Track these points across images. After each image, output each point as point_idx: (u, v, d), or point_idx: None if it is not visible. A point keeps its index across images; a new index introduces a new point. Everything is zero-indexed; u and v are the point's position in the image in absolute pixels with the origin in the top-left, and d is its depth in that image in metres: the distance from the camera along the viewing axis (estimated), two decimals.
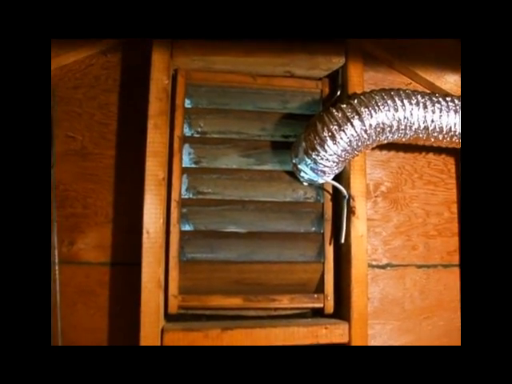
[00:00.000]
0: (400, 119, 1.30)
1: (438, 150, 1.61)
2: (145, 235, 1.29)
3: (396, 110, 1.29)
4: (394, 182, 1.60)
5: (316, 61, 1.46)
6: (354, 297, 1.37)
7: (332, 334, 1.35)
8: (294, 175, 1.42)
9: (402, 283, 1.57)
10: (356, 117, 1.27)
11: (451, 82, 1.57)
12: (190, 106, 1.43)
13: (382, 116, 1.28)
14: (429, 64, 1.57)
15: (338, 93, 1.46)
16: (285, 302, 1.39)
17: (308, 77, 1.50)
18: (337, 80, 1.50)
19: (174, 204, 1.36)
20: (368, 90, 1.36)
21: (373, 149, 1.52)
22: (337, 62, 1.47)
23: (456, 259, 1.60)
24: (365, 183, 1.42)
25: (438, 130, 1.34)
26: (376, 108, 1.28)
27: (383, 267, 1.56)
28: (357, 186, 1.41)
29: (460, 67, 1.56)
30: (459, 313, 1.58)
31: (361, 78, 1.46)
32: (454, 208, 1.63)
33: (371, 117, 1.27)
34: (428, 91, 1.49)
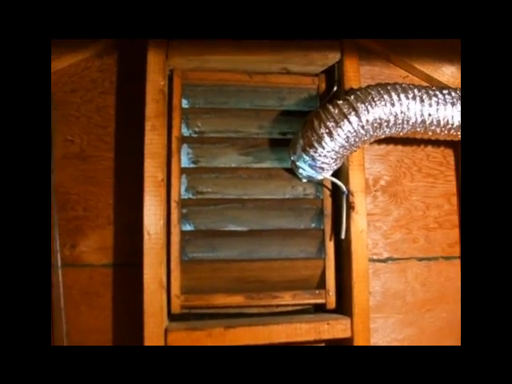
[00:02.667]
0: (397, 114, 1.30)
1: (437, 143, 1.60)
2: (146, 236, 1.30)
3: (393, 104, 1.29)
4: (393, 176, 1.60)
5: (311, 57, 1.46)
6: (355, 292, 1.37)
7: (334, 329, 1.35)
8: (292, 172, 1.42)
9: (403, 276, 1.57)
10: (353, 113, 1.27)
11: (448, 73, 1.56)
12: (187, 106, 1.43)
13: (378, 111, 1.28)
14: (425, 56, 1.57)
15: (335, 88, 1.46)
16: (287, 299, 1.40)
17: (304, 73, 1.50)
18: (333, 75, 1.49)
19: (173, 204, 1.37)
20: (364, 85, 1.36)
21: (371, 143, 1.51)
22: (332, 57, 1.46)
23: (457, 251, 1.60)
24: (364, 178, 1.42)
25: (435, 123, 1.34)
26: (372, 103, 1.28)
27: (384, 261, 1.56)
28: (356, 181, 1.41)
29: (457, 59, 1.57)
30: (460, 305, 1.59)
31: (357, 73, 1.45)
32: (454, 200, 1.63)
33: (368, 112, 1.27)
34: (425, 84, 1.50)
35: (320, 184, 1.45)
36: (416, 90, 1.33)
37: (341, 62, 1.47)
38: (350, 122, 1.27)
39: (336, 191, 1.45)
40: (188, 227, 1.39)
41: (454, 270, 1.60)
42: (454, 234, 1.61)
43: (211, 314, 1.41)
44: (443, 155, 1.64)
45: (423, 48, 1.55)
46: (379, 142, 1.56)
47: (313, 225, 1.44)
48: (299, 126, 1.39)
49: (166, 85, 1.38)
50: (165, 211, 1.33)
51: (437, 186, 1.62)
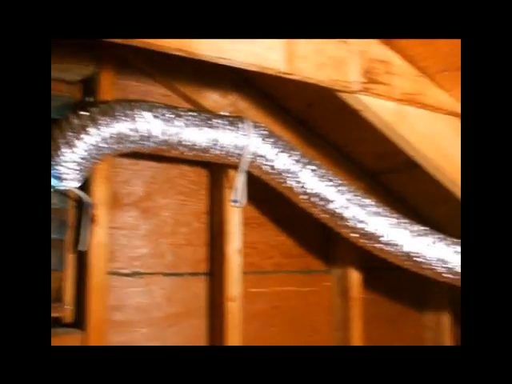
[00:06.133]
0: (138, 130, 1.31)
1: (192, 162, 1.64)
2: None
3: (134, 120, 1.30)
4: (146, 191, 1.61)
5: (67, 65, 1.44)
6: (91, 305, 1.37)
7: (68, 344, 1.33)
8: None
9: (149, 291, 1.59)
10: (92, 125, 1.26)
11: (212, 99, 1.63)
12: None
13: (119, 126, 1.28)
14: (188, 79, 1.61)
15: (86, 99, 1.45)
16: None
17: (61, 79, 1.47)
18: (91, 86, 1.48)
19: None
20: (114, 99, 1.37)
21: (126, 157, 1.52)
22: (88, 67, 1.46)
23: (203, 268, 1.66)
24: (108, 191, 1.42)
25: (178, 143, 1.37)
26: (113, 117, 1.28)
27: (130, 275, 1.56)
28: (99, 194, 1.41)
29: (220, 86, 1.64)
30: (205, 319, 1.65)
31: (111, 86, 1.46)
32: (204, 218, 1.69)
33: (108, 126, 1.27)
34: (186, 105, 1.55)
35: (65, 194, 1.42)
36: (164, 110, 1.35)
37: (97, 73, 1.46)
38: (89, 134, 1.26)
39: (82, 203, 1.42)
40: None
41: (200, 286, 1.65)
42: (202, 251, 1.67)
43: None
44: (197, 174, 1.69)
45: (185, 70, 1.59)
46: (134, 156, 1.56)
47: (54, 235, 1.40)
48: None
49: None
50: None
51: (188, 204, 1.67)
